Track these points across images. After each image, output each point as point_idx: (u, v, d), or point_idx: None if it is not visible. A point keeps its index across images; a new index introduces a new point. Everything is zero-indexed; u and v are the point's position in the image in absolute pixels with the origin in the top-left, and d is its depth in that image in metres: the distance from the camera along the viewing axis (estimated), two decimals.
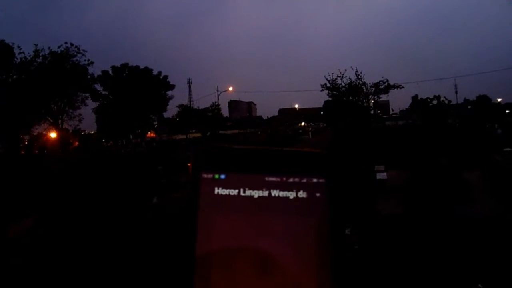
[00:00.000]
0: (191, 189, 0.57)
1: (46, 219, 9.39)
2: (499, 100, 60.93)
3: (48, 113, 40.61)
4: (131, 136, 53.25)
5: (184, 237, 0.54)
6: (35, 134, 45.97)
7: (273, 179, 0.58)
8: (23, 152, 40.16)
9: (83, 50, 40.74)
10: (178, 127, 58.46)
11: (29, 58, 38.13)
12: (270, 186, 0.58)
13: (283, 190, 0.58)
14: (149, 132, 58.98)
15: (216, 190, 0.57)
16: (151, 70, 52.15)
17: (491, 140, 28.53)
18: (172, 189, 14.95)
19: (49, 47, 39.32)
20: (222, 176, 0.58)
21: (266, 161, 0.59)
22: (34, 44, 38.63)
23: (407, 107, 55.53)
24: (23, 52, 37.90)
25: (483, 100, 52.39)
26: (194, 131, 56.78)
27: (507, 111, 55.22)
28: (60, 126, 42.17)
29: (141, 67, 51.83)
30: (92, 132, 58.38)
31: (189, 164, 0.56)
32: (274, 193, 0.58)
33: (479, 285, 6.16)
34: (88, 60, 41.38)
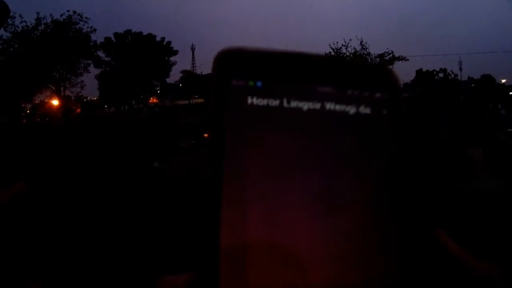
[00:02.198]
0: (215, 100, 0.43)
1: (39, 182, 9.22)
2: (503, 81, 60.66)
3: (50, 81, 40.52)
4: (133, 102, 53.25)
5: (208, 166, 0.41)
6: (36, 102, 45.90)
7: (328, 89, 0.46)
8: (25, 121, 40.12)
9: (86, 17, 40.62)
10: (180, 92, 58.42)
11: (31, 27, 37.94)
12: (323, 97, 0.45)
13: (341, 103, 0.46)
14: (151, 98, 58.95)
15: (250, 100, 0.43)
16: (155, 36, 51.93)
17: (495, 119, 28.48)
18: (173, 154, 14.87)
19: (51, 15, 39.18)
20: (258, 84, 0.44)
21: (318, 68, 0.46)
22: (36, 12, 38.42)
23: (411, 80, 55.26)
24: (25, 21, 37.72)
25: (488, 79, 52.08)
26: (196, 96, 56.72)
27: (511, 93, 55.01)
28: (62, 93, 42.12)
29: (144, 33, 51.58)
30: (95, 99, 58.42)
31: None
32: (329, 106, 0.45)
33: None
34: (91, 27, 41.28)
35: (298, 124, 0.44)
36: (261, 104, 0.43)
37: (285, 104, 0.44)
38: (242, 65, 0.44)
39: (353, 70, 0.48)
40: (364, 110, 0.46)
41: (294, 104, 0.44)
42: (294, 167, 0.43)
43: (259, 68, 0.44)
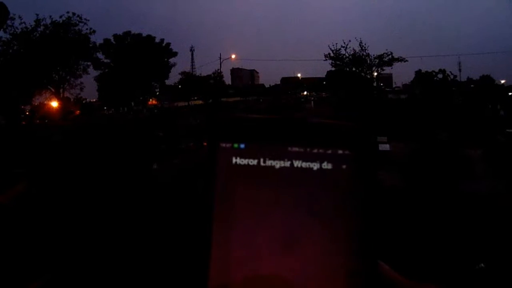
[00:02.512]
0: (208, 159, 0.53)
1: (39, 182, 9.25)
2: (502, 81, 60.81)
3: (50, 83, 40.68)
4: (132, 104, 53.39)
5: (200, 207, 0.51)
6: (36, 104, 46.00)
7: (296, 149, 0.54)
8: (24, 123, 40.14)
9: (85, 19, 40.89)
10: (180, 94, 58.47)
11: (30, 28, 38.08)
12: (292, 156, 0.54)
13: (306, 161, 0.54)
14: (150, 100, 59.08)
15: (234, 160, 0.53)
16: (154, 37, 52.17)
17: (494, 120, 28.56)
18: (172, 155, 14.88)
19: (50, 16, 39.41)
20: (242, 146, 0.54)
21: (289, 131, 0.55)
22: (36, 14, 38.60)
23: (410, 81, 55.48)
24: (24, 22, 37.93)
25: (487, 80, 52.27)
26: (196, 98, 56.81)
27: (510, 94, 55.29)
28: (61, 95, 42.24)
29: (144, 35, 51.72)
30: (94, 100, 58.61)
31: (204, 143, 0.53)
32: (297, 163, 0.54)
33: (481, 264, 6.03)
34: (90, 28, 41.55)
35: (272, 179, 0.52)
36: (243, 163, 0.53)
37: (261, 163, 0.53)
38: (228, 131, 0.53)
39: (320, 131, 0.55)
40: (326, 166, 0.53)
41: (269, 162, 0.53)
42: (266, 213, 0.51)
43: (242, 133, 0.54)
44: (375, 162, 0.56)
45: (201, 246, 0.49)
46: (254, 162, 0.53)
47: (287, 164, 0.54)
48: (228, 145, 0.53)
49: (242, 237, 0.50)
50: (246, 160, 0.53)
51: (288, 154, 0.54)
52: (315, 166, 0.54)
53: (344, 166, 0.54)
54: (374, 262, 0.51)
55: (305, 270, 0.50)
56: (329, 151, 0.55)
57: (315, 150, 0.55)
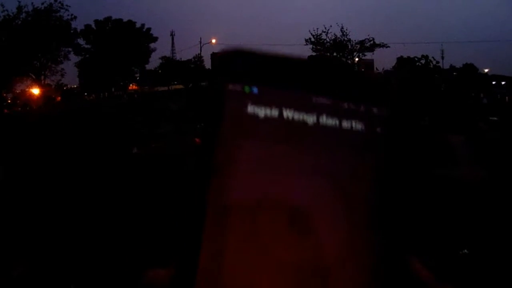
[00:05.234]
0: (213, 105, 0.42)
1: (18, 169, 9.35)
2: (485, 70, 60.98)
3: (31, 70, 40.36)
4: (113, 89, 53.14)
5: (197, 169, 0.41)
6: (18, 91, 45.72)
7: (324, 101, 0.45)
8: (6, 111, 39.88)
9: (66, 5, 40.54)
10: (160, 79, 58.13)
11: (12, 16, 37.70)
12: (318, 109, 0.45)
13: (335, 117, 0.45)
14: (131, 85, 58.78)
15: (247, 108, 0.43)
16: (134, 23, 51.89)
17: (477, 107, 28.97)
18: (152, 139, 15.00)
19: (32, 3, 39.03)
20: (254, 90, 0.44)
21: (315, 76, 0.46)
22: (18, 1, 38.23)
23: (392, 67, 55.45)
24: (7, 10, 37.51)
25: (470, 69, 52.37)
26: (176, 83, 56.42)
27: (493, 82, 55.48)
28: (42, 82, 42.03)
29: (124, 20, 51.46)
30: (75, 86, 58.32)
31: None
32: (323, 119, 0.45)
33: (465, 250, 6.20)
34: (71, 14, 41.21)
35: (288, 135, 0.44)
36: (254, 112, 0.43)
37: (281, 114, 0.44)
38: (238, 69, 0.44)
39: (353, 82, 0.47)
40: (358, 126, 0.46)
41: (289, 114, 0.44)
42: (279, 178, 0.43)
43: (255, 72, 0.44)
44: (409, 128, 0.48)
45: (194, 221, 0.40)
46: (272, 112, 0.44)
47: (313, 119, 0.45)
48: (238, 87, 0.43)
49: (244, 207, 0.41)
50: (262, 108, 0.44)
51: (313, 105, 0.45)
52: (346, 125, 0.46)
53: (378, 129, 0.47)
54: (402, 252, 0.46)
55: (320, 253, 0.43)
56: (363, 108, 0.47)
57: (346, 105, 0.46)
